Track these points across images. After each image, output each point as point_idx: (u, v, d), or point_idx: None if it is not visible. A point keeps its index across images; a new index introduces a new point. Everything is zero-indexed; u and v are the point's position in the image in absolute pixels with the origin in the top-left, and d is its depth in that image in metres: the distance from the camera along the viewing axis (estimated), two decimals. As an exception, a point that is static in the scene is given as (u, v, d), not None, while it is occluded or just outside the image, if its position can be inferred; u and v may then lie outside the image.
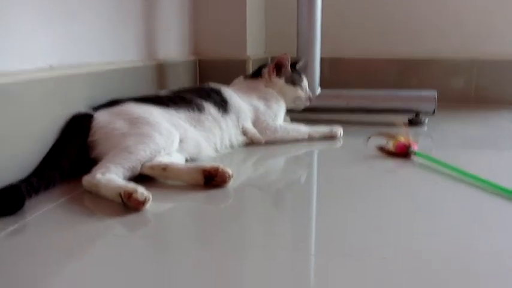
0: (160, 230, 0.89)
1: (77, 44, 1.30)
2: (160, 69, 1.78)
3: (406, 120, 1.84)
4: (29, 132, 1.06)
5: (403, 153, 1.33)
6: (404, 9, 2.41)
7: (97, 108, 1.24)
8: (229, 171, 1.08)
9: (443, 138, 1.68)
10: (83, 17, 1.33)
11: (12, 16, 1.06)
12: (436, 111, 1.83)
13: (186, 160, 1.23)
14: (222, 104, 1.43)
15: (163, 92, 1.44)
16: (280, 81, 1.65)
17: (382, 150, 1.37)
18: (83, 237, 0.84)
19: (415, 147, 1.32)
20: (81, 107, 1.22)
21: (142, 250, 0.81)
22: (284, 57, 1.65)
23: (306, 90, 1.70)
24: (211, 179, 1.07)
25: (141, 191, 0.94)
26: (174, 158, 1.17)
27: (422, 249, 0.78)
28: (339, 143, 1.57)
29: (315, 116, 1.85)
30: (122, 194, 0.94)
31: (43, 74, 1.13)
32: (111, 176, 1.01)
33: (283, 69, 1.66)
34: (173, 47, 1.98)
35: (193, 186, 1.08)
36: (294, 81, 1.67)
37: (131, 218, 0.91)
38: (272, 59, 1.80)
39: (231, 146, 1.43)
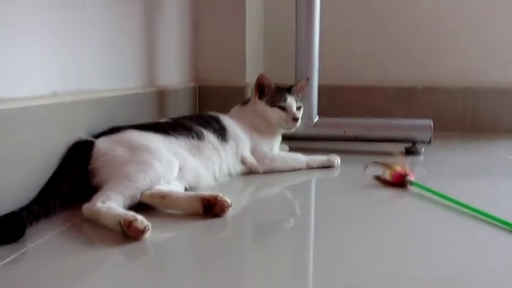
0: (160, 259, 0.90)
1: (80, 71, 1.33)
2: (161, 96, 1.81)
3: (403, 149, 1.86)
4: (30, 158, 1.07)
5: (399, 182, 1.34)
6: (402, 38, 2.46)
7: (98, 135, 1.26)
8: (228, 200, 1.09)
9: (440, 167, 1.70)
10: (86, 44, 1.35)
11: (17, 43, 1.08)
12: (432, 140, 1.85)
13: (186, 189, 1.23)
14: (221, 132, 1.45)
15: (163, 120, 1.46)
16: (261, 104, 1.59)
17: (379, 179, 1.39)
18: (82, 266, 0.84)
19: (411, 177, 1.34)
20: (83, 134, 1.24)
21: (142, 279, 0.81)
22: (261, 76, 1.58)
23: (289, 111, 1.57)
24: (210, 208, 1.08)
25: (141, 219, 0.94)
26: (174, 186, 1.18)
27: (419, 278, 0.79)
28: (337, 172, 1.59)
29: (312, 145, 1.86)
30: (122, 222, 0.94)
31: (46, 100, 1.15)
32: (112, 204, 1.02)
33: (267, 89, 1.59)
34: (173, 74, 2.01)
35: (192, 215, 1.08)
36: (273, 102, 1.57)
37: (131, 246, 0.91)
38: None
39: (230, 175, 1.44)
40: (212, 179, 1.35)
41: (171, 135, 1.31)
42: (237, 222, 1.09)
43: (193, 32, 2.19)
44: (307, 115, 1.81)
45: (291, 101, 1.58)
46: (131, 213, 0.96)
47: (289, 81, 1.72)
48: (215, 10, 2.20)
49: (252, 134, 1.55)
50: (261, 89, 1.60)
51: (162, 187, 1.13)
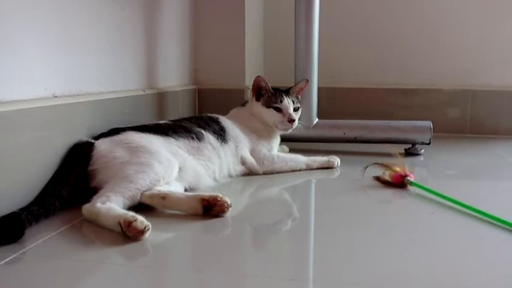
0: (160, 259, 0.90)
1: (80, 73, 1.33)
2: (161, 98, 1.81)
3: (403, 150, 1.86)
4: (31, 160, 1.07)
5: (399, 183, 1.35)
6: (401, 41, 2.47)
7: (98, 136, 1.26)
8: (228, 200, 1.09)
9: (439, 168, 1.70)
10: (86, 46, 1.36)
11: (17, 46, 1.09)
12: (431, 141, 1.85)
13: (185, 189, 1.24)
14: (221, 133, 1.45)
15: (163, 122, 1.46)
16: (258, 105, 1.60)
17: (379, 180, 1.39)
18: (82, 266, 0.84)
19: (411, 177, 1.34)
20: (83, 135, 1.24)
21: (141, 279, 0.81)
22: (257, 78, 1.59)
23: (285, 111, 1.57)
24: (210, 209, 1.08)
25: (140, 219, 0.94)
26: (173, 187, 1.18)
27: (419, 278, 0.79)
28: (337, 173, 1.59)
29: (312, 146, 1.87)
30: (122, 222, 0.94)
31: (46, 102, 1.15)
32: (111, 204, 1.02)
33: (264, 91, 1.60)
34: (173, 76, 2.02)
35: (192, 216, 1.08)
36: (269, 103, 1.57)
37: (130, 247, 0.91)
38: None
39: (230, 175, 1.44)
40: (212, 179, 1.35)
41: (170, 136, 1.31)
42: (236, 222, 1.09)
43: (193, 35, 2.20)
44: (307, 117, 1.81)
45: (287, 102, 1.58)
46: (131, 214, 0.96)
47: (289, 84, 1.72)
48: (215, 13, 2.20)
49: (250, 135, 1.55)
50: (258, 90, 1.60)
51: (162, 188, 1.13)
